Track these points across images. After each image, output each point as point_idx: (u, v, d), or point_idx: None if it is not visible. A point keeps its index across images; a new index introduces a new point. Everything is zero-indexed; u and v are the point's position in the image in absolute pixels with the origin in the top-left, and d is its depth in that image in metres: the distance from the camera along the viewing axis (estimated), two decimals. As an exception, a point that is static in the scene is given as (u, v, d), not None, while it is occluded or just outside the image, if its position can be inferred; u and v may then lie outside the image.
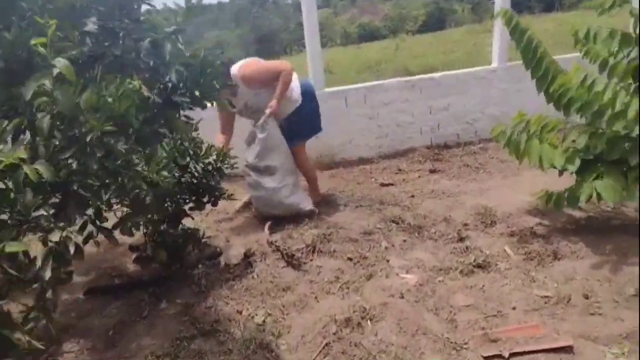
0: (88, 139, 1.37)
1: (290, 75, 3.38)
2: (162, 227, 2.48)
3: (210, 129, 3.26)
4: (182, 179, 2.69)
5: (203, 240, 3.09)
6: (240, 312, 2.46)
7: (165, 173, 1.86)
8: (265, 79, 3.37)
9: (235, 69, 3.35)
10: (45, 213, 1.31)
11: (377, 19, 37.66)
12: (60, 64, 1.36)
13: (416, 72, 11.31)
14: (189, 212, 2.80)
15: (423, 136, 5.11)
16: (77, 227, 1.45)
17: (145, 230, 2.30)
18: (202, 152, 2.65)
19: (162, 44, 1.82)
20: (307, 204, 3.50)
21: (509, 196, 3.67)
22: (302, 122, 3.58)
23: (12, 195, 1.24)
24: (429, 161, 4.70)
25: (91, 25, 1.68)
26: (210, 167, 2.72)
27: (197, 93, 2.06)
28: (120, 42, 1.80)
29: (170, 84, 1.96)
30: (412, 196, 3.85)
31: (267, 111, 3.34)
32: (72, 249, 1.34)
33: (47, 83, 1.33)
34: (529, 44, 2.93)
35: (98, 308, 2.64)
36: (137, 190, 1.73)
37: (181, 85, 1.99)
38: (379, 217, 3.47)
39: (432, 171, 4.44)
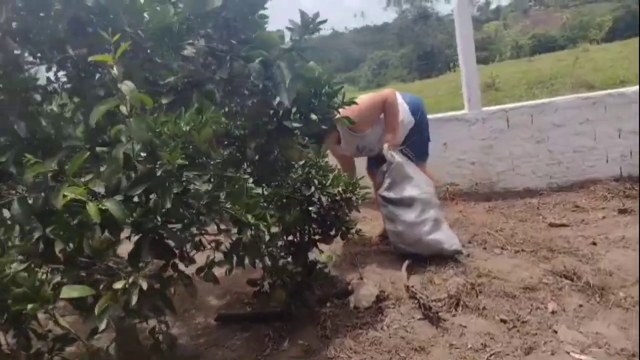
0: (159, 173, 1.21)
1: (394, 102, 3.08)
2: (282, 262, 2.29)
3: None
4: (310, 209, 2.48)
5: (332, 274, 2.87)
6: (363, 370, 2.12)
7: (255, 214, 1.63)
8: (371, 119, 3.09)
9: None
10: (113, 256, 1.19)
11: (554, 28, 34.30)
12: (126, 87, 1.23)
13: (600, 87, 9.69)
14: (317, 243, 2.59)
15: (609, 165, 4.17)
16: (147, 272, 1.30)
17: (263, 265, 2.13)
18: (329, 182, 2.41)
19: (273, 63, 1.62)
20: (453, 243, 3.01)
21: None
22: (421, 141, 3.29)
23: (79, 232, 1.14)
24: (617, 198, 3.78)
25: (189, 50, 1.56)
26: (337, 198, 2.47)
27: (312, 116, 1.81)
28: (228, 64, 1.65)
29: (281, 109, 1.75)
30: (593, 243, 3.07)
31: (385, 145, 3.07)
32: (134, 298, 1.18)
33: (124, 109, 1.21)
34: None
35: (224, 337, 2.56)
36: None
37: (294, 109, 1.77)
38: (545, 268, 2.81)
39: (622, 211, 3.53)
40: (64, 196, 1.09)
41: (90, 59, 1.32)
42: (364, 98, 3.03)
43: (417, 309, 2.52)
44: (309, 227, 2.54)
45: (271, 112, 1.81)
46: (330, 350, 2.27)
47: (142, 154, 1.24)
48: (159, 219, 1.20)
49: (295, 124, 1.79)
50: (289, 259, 2.50)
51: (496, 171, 4.35)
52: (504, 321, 2.34)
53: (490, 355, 2.10)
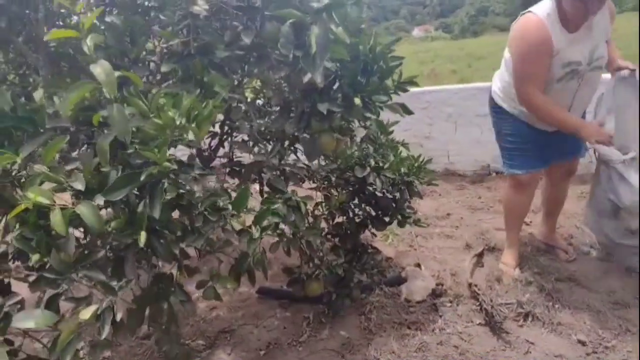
0: (143, 177, 0.97)
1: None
2: (327, 245, 2.05)
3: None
4: (365, 192, 2.19)
5: (387, 257, 2.61)
6: (403, 379, 1.88)
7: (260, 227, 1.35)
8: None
9: None
10: (89, 269, 1.00)
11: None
12: (100, 70, 0.98)
13: None
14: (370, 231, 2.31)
15: None
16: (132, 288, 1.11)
17: (300, 252, 1.91)
18: (387, 165, 2.08)
19: (307, 27, 1.28)
20: None
21: None
22: None
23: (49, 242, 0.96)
24: None
25: (201, 4, 1.27)
26: (397, 181, 2.14)
27: (356, 100, 1.47)
28: (257, 25, 1.35)
29: (318, 87, 1.42)
30: None
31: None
32: (106, 329, 1.00)
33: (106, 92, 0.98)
34: None
35: (262, 314, 2.43)
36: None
37: (334, 87, 1.45)
38: (645, 278, 2.32)
39: None
40: (27, 198, 0.91)
41: (45, 38, 1.10)
42: None
43: (478, 312, 2.20)
44: (361, 211, 2.26)
45: (304, 90, 1.50)
46: (370, 350, 2.05)
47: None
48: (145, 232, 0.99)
49: (334, 108, 1.47)
50: (336, 241, 2.27)
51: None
52: (582, 343, 1.95)
53: (559, 387, 1.76)
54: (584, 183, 3.49)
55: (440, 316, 2.22)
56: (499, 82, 2.37)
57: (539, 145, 2.32)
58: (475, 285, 2.31)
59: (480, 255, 2.68)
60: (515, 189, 2.45)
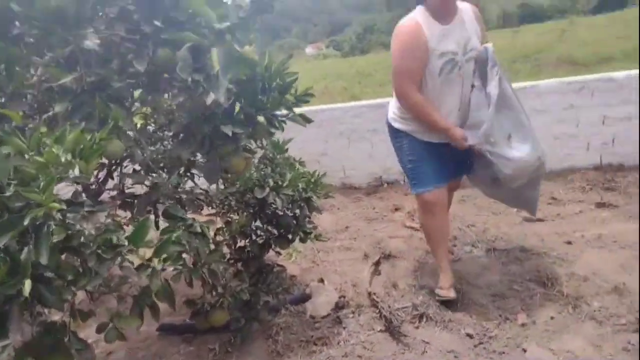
0: (27, 221, 0.93)
1: None
2: (230, 271, 2.04)
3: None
4: (267, 212, 2.22)
5: (291, 275, 2.66)
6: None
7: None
8: None
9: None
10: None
11: (543, -3, 33.79)
12: None
13: (583, 63, 9.48)
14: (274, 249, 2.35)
15: (590, 154, 3.99)
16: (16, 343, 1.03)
17: (203, 282, 1.87)
18: (286, 182, 2.14)
19: (207, 49, 1.31)
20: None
21: None
22: None
23: None
24: (596, 189, 3.60)
25: (92, 40, 1.24)
26: (295, 198, 2.21)
27: (260, 118, 1.52)
28: (149, 52, 1.34)
29: (220, 109, 1.45)
30: (569, 242, 2.89)
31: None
32: None
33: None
34: None
35: (165, 351, 2.32)
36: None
37: (236, 108, 1.48)
38: (517, 271, 2.63)
39: (600, 205, 3.36)
40: None
41: None
42: None
43: (378, 319, 2.33)
44: (263, 232, 2.28)
45: (207, 113, 1.51)
46: (279, 370, 2.07)
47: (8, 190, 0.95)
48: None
49: (237, 130, 1.49)
50: (240, 266, 2.26)
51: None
52: (469, 336, 2.16)
53: (452, 380, 1.93)
54: (465, 187, 3.87)
55: (344, 328, 2.31)
56: (394, 106, 2.45)
57: (438, 161, 2.38)
58: (374, 294, 2.45)
59: (377, 264, 2.84)
60: (426, 212, 2.46)
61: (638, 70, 3.76)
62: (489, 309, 2.33)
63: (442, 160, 2.41)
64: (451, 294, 2.37)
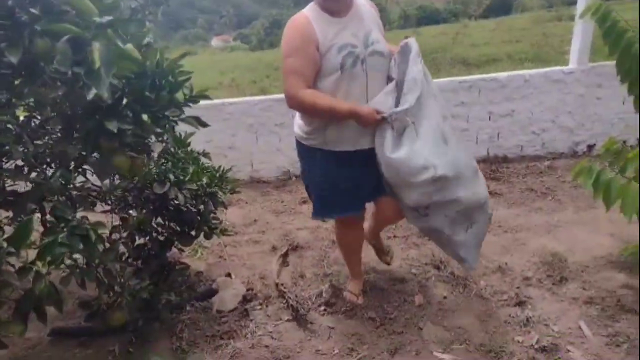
0: None
1: None
2: (129, 270, 1.94)
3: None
4: (169, 208, 2.14)
5: (197, 270, 2.60)
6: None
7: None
8: None
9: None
10: None
11: (439, 1, 36.11)
12: None
13: (475, 63, 10.33)
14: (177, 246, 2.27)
15: (478, 146, 4.35)
16: None
17: (97, 282, 1.76)
18: (188, 177, 2.08)
19: (88, 42, 1.23)
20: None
21: (584, 238, 2.91)
22: None
23: None
24: (483, 179, 3.93)
25: None
26: (199, 193, 2.15)
27: (144, 117, 1.46)
28: (25, 42, 1.24)
29: (104, 104, 1.37)
30: (460, 228, 3.13)
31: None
32: None
33: None
34: (627, 50, 2.12)
35: (59, 357, 2.16)
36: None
37: (123, 104, 1.41)
38: (415, 255, 2.81)
39: (487, 193, 3.68)
40: None
41: None
42: None
43: (285, 309, 2.36)
44: (164, 228, 2.20)
45: (87, 108, 1.41)
46: (184, 367, 2.02)
47: None
48: None
49: (124, 126, 1.41)
50: (139, 264, 2.16)
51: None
52: (372, 319, 2.27)
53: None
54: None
55: (252, 320, 2.31)
56: (298, 121, 2.19)
57: (352, 186, 2.13)
58: (282, 284, 2.48)
59: (285, 255, 2.87)
60: (340, 229, 2.38)
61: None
62: (389, 295, 2.46)
63: (358, 183, 2.14)
64: (359, 301, 2.37)
